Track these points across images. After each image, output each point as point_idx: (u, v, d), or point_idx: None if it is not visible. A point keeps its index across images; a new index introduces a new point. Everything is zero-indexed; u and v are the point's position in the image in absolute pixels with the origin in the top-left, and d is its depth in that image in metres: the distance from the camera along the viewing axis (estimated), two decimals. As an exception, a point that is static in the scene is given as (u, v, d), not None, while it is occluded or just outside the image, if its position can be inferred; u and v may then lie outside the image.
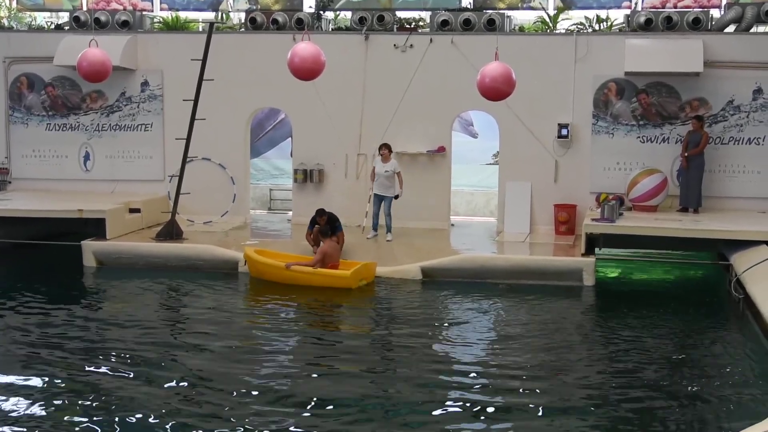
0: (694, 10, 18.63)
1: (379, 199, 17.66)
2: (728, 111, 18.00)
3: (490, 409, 9.50)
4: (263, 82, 19.33)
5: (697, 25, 18.27)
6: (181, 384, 10.22)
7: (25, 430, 8.80)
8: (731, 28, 18.61)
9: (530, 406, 9.63)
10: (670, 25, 18.33)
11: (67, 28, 20.66)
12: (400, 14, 20.18)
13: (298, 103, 19.27)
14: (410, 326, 12.88)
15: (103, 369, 10.73)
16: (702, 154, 17.56)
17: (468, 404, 9.66)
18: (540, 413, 9.40)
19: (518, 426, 9.08)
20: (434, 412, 9.35)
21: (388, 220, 17.68)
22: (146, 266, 16.49)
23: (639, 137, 18.32)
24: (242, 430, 8.83)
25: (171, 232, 17.29)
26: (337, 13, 20.82)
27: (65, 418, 9.10)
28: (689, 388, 10.42)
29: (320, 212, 16.27)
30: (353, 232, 17.17)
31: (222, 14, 21.40)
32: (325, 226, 15.85)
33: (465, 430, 8.99)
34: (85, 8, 21.05)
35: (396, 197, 17.53)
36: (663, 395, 10.04)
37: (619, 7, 19.74)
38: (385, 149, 17.60)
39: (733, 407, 9.65)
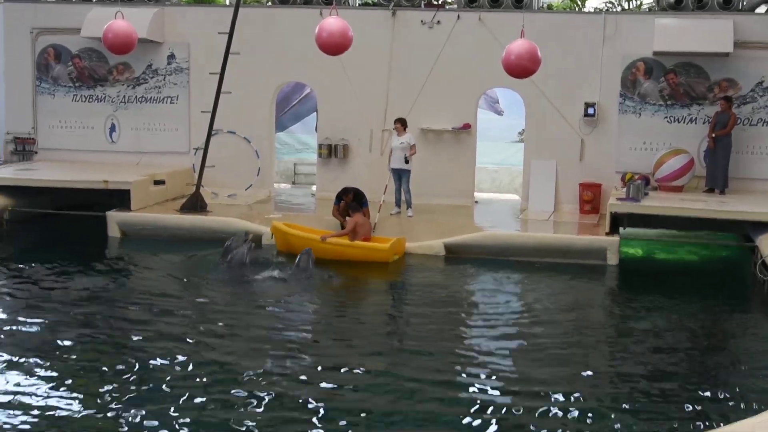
0: (725, -11, 18.43)
1: (397, 174, 17.65)
2: (757, 92, 17.84)
3: (512, 389, 9.51)
4: (289, 56, 19.31)
5: (727, 4, 18.07)
6: (200, 361, 10.18)
7: (41, 399, 8.89)
8: (762, 9, 18.42)
9: (553, 386, 9.61)
10: (700, 4, 18.15)
11: (94, 0, 20.70)
12: (428, -10, 20.07)
13: (324, 78, 19.26)
14: (433, 305, 12.87)
15: (124, 341, 10.78)
16: (729, 135, 17.42)
17: (489, 386, 9.67)
18: (563, 394, 9.37)
19: (540, 405, 9.07)
20: (453, 394, 9.35)
21: (408, 196, 17.67)
22: (170, 238, 16.55)
23: (666, 117, 18.19)
24: (259, 410, 8.87)
25: (195, 204, 17.35)
26: (365, -12, 20.77)
27: (82, 389, 9.15)
28: (713, 370, 10.38)
29: (346, 190, 16.34)
30: (376, 208, 17.11)
31: (249, -12, 21.40)
32: (355, 203, 15.91)
33: (486, 410, 8.96)
34: (112, -20, 21.05)
35: (406, 161, 17.47)
36: (685, 376, 9.99)
37: (648, -14, 19.60)
38: (398, 123, 17.57)
39: (755, 389, 9.58)
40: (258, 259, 14.66)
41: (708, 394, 9.47)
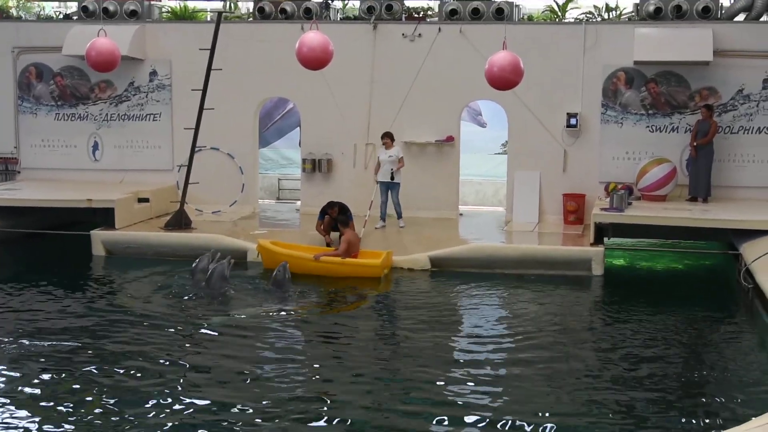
0: (704, -2, 18.53)
1: (385, 186, 17.69)
2: (738, 100, 17.93)
3: (497, 400, 9.53)
4: (272, 71, 19.31)
5: (706, 13, 18.18)
6: (187, 377, 10.20)
7: (28, 419, 8.85)
8: (741, 17, 18.53)
9: (538, 395, 9.65)
10: (679, 13, 18.25)
11: (75, 17, 20.68)
12: (409, 3, 20.13)
13: (307, 92, 19.27)
14: (420, 318, 12.86)
15: (111, 359, 10.74)
16: (711, 144, 17.50)
17: (477, 394, 9.69)
18: (548, 403, 9.41)
19: (525, 415, 9.08)
20: (437, 408, 9.35)
21: (398, 208, 17.76)
22: (155, 256, 16.49)
23: (648, 126, 18.26)
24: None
25: (180, 221, 17.32)
26: (345, 2, 20.80)
27: (69, 408, 9.14)
28: (697, 378, 10.42)
29: (331, 204, 16.35)
30: (361, 222, 17.09)
31: (230, 4, 21.41)
32: (343, 216, 15.89)
33: (470, 421, 8.97)
34: (93, -2, 21.01)
35: (392, 177, 17.54)
36: (670, 385, 10.03)
37: (628, -4, 19.66)
38: (387, 138, 17.64)
39: (740, 398, 9.61)
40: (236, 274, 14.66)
41: (697, 402, 9.53)
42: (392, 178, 17.56)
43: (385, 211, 17.77)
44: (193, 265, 14.39)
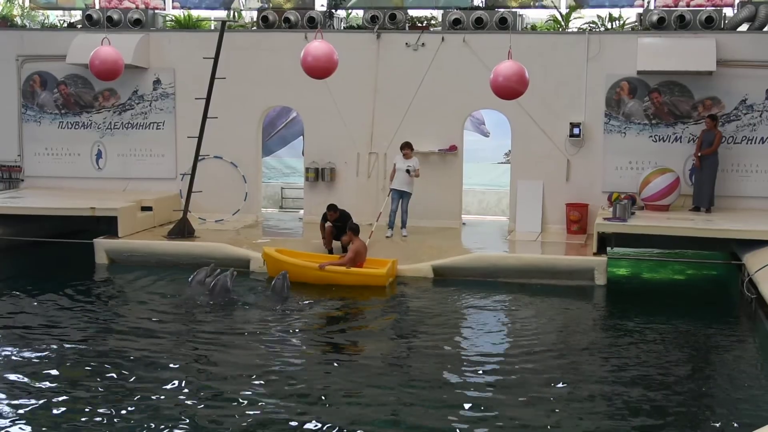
0: (707, 8, 18.51)
1: (398, 194, 17.70)
2: (741, 110, 17.93)
3: (500, 412, 9.50)
4: (275, 80, 19.33)
5: (710, 23, 18.20)
6: (190, 385, 10.19)
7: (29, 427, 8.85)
8: (744, 27, 18.53)
9: (542, 405, 9.62)
10: (682, 23, 18.26)
11: (79, 26, 20.73)
12: (412, 13, 20.13)
13: (310, 101, 19.27)
14: (423, 329, 12.84)
15: (113, 366, 10.73)
16: (715, 154, 17.49)
17: (479, 406, 9.66)
18: (551, 414, 9.39)
19: (526, 423, 9.07)
20: (437, 422, 9.29)
21: (405, 217, 17.79)
22: (158, 264, 16.50)
23: (651, 136, 18.26)
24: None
25: (183, 230, 17.32)
26: (349, 11, 20.81)
27: (70, 416, 9.14)
28: (700, 388, 10.39)
29: (332, 207, 16.37)
30: (367, 232, 17.06)
31: (234, 13, 21.41)
32: (354, 223, 15.89)
33: None
34: (97, 6, 21.04)
35: (410, 173, 17.59)
36: (673, 396, 10.00)
37: (631, 6, 19.63)
38: (407, 148, 17.66)
39: (744, 408, 9.60)
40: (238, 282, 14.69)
41: (700, 413, 9.51)
42: (416, 181, 17.63)
43: (395, 219, 17.76)
44: (190, 278, 14.40)
